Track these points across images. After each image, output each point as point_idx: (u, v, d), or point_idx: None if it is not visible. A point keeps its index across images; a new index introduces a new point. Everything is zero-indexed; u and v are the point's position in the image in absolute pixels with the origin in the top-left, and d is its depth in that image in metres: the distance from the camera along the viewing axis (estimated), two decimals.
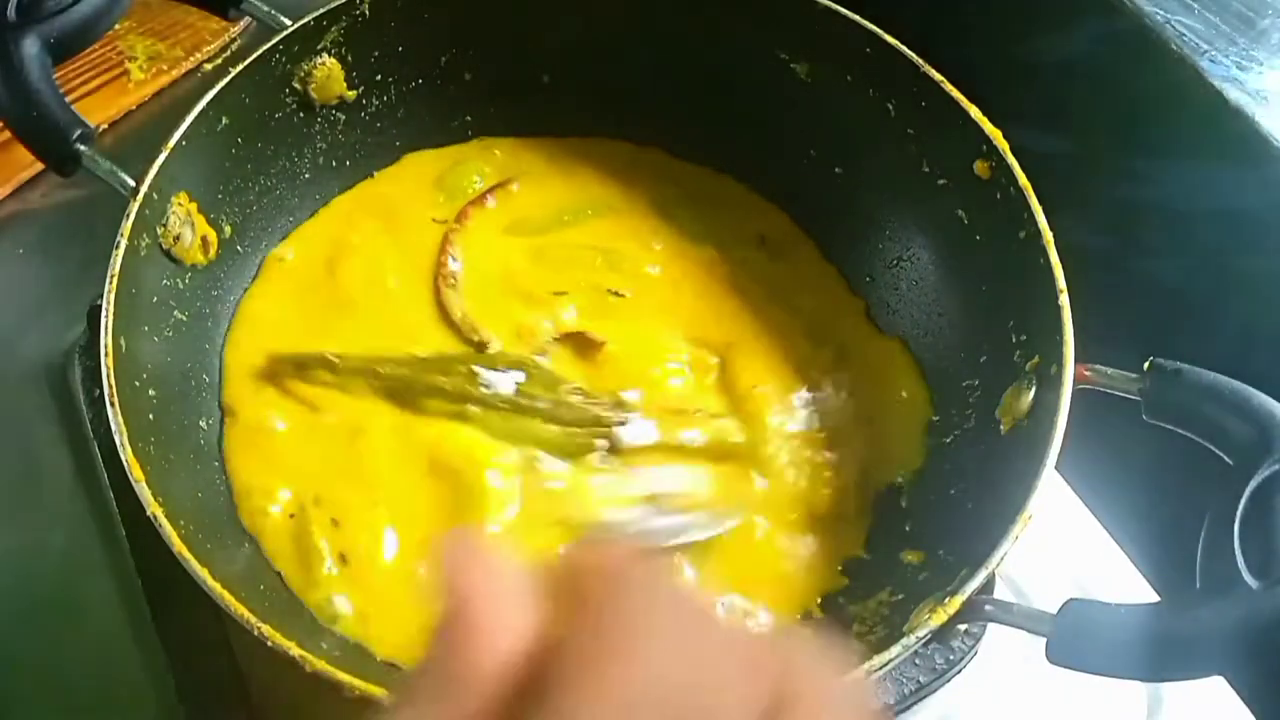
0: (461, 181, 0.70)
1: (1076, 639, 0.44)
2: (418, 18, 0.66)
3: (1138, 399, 0.51)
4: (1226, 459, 0.48)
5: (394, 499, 0.57)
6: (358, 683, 0.43)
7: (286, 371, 0.61)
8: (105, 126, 0.77)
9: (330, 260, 0.66)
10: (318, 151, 0.67)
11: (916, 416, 0.62)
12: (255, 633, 0.44)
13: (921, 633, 0.45)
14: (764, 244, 0.69)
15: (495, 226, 0.68)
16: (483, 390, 0.59)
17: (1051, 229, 0.55)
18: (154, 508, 0.47)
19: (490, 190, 0.69)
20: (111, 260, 0.53)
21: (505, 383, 0.59)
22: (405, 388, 0.60)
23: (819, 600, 0.56)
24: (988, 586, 0.47)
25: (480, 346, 0.63)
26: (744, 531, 0.58)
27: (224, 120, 0.60)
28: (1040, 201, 0.56)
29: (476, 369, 0.60)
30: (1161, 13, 0.71)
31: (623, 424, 0.58)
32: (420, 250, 0.67)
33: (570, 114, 0.71)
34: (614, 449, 0.58)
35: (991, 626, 0.58)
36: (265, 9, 0.63)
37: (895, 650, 0.45)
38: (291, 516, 0.57)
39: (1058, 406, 0.51)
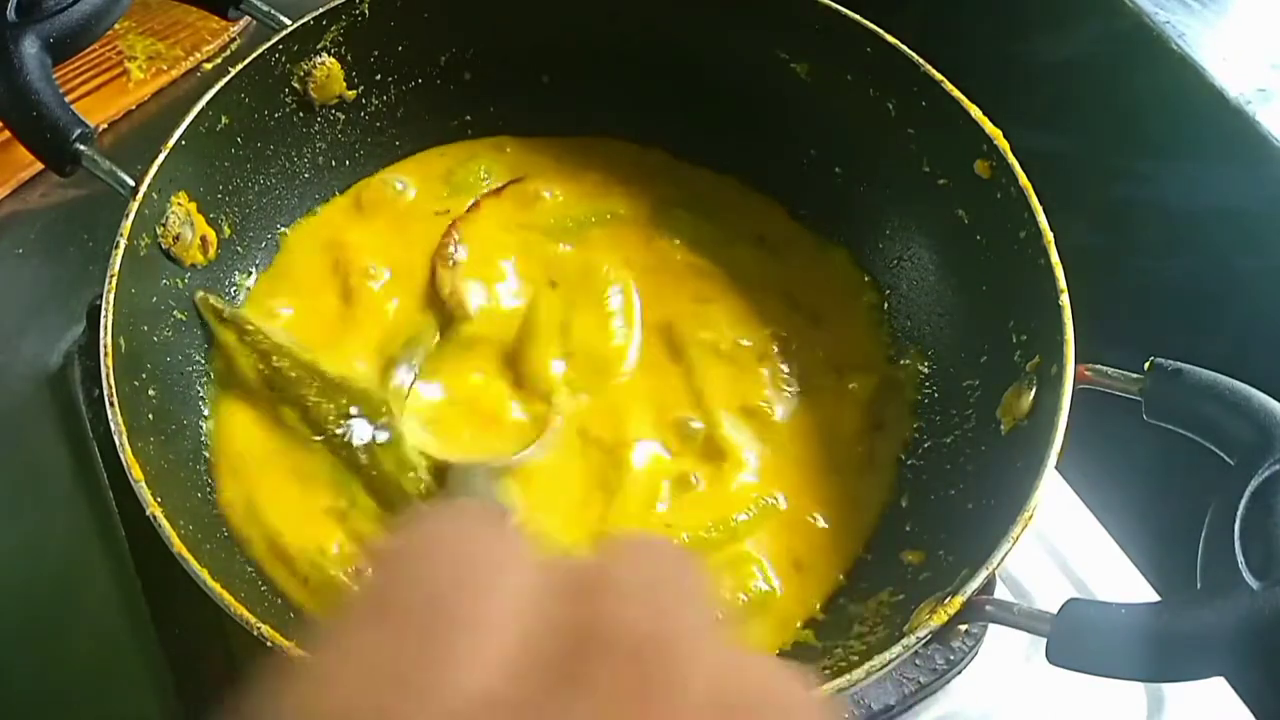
0: (469, 178, 0.70)
1: (1076, 639, 0.44)
2: (418, 17, 0.66)
3: (1138, 399, 0.51)
4: (1227, 459, 0.48)
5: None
6: None
7: (212, 316, 0.61)
8: (105, 126, 0.77)
9: (332, 256, 0.66)
10: (317, 151, 0.67)
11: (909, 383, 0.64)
12: (255, 633, 0.44)
13: (922, 633, 0.45)
14: (763, 243, 0.69)
15: (508, 222, 0.68)
16: (336, 430, 0.58)
17: (1051, 229, 0.55)
18: (154, 508, 0.47)
19: (506, 185, 0.69)
20: (111, 260, 0.53)
21: (363, 434, 0.58)
22: (280, 388, 0.60)
23: (841, 575, 0.57)
24: (988, 587, 0.47)
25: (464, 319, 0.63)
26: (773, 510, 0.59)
27: (223, 120, 0.60)
28: (1040, 201, 0.56)
29: (351, 409, 0.59)
30: (1162, 13, 0.72)
31: None
32: (421, 242, 0.67)
33: (570, 114, 0.71)
34: None
35: (992, 626, 0.58)
36: (265, 9, 0.63)
37: (896, 650, 0.45)
38: (306, 580, 0.55)
39: (1058, 406, 0.50)
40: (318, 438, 0.59)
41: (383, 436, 0.59)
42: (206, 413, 0.60)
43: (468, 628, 0.21)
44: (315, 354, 0.61)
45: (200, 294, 0.61)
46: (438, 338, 0.63)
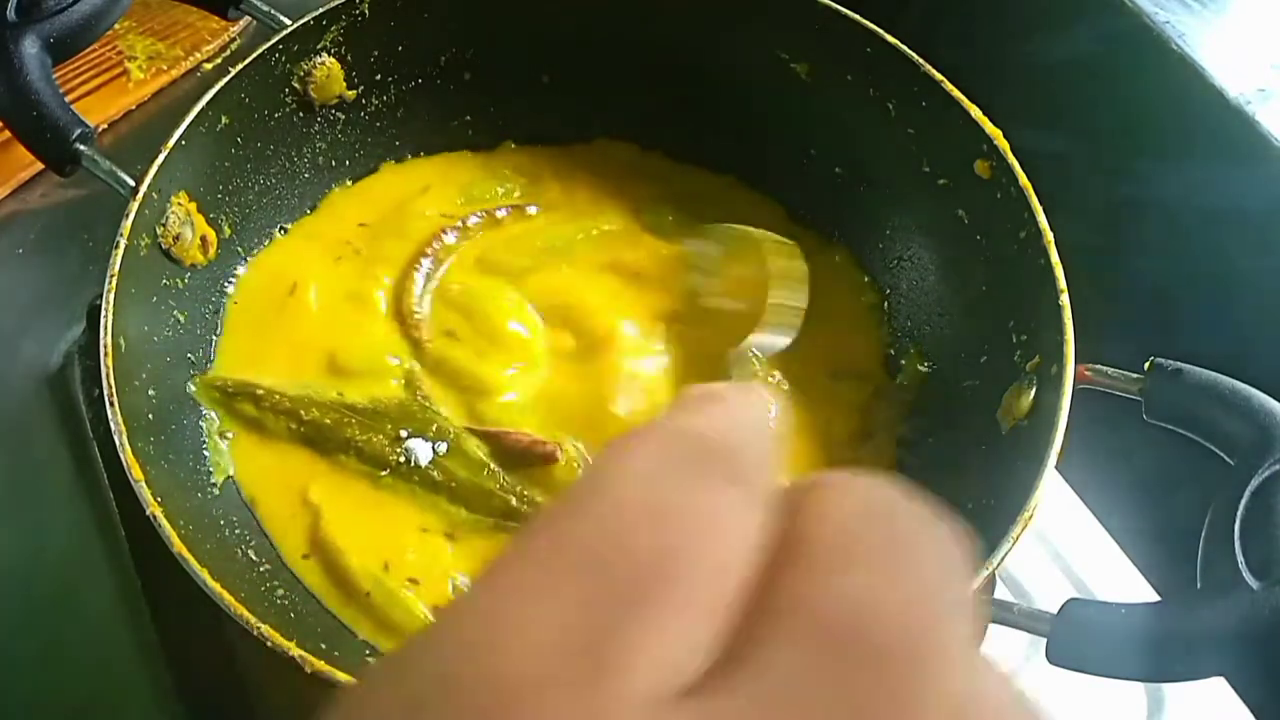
0: (473, 191, 0.69)
1: (1076, 639, 0.44)
2: (418, 18, 0.66)
3: (1138, 399, 0.51)
4: (1227, 459, 0.48)
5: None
6: None
7: (215, 397, 0.60)
8: (105, 126, 0.77)
9: (288, 274, 0.65)
10: (317, 151, 0.67)
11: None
12: (255, 633, 0.44)
13: None
14: None
15: (492, 241, 0.67)
16: (398, 459, 0.58)
17: (1051, 229, 0.55)
18: (154, 508, 0.47)
19: (499, 208, 0.68)
20: (111, 260, 0.53)
21: (424, 453, 0.58)
22: (324, 438, 0.58)
23: None
24: (988, 587, 0.47)
25: (417, 343, 0.62)
26: None
27: (223, 120, 0.60)
28: (1040, 201, 0.56)
29: (401, 434, 0.58)
30: (1162, 13, 0.72)
31: None
32: (401, 252, 0.66)
33: (570, 115, 0.71)
34: None
35: (992, 626, 0.58)
36: (265, 9, 0.63)
37: None
38: (368, 594, 0.55)
39: (1058, 406, 0.50)
40: (384, 473, 0.58)
41: (442, 447, 0.58)
42: (207, 413, 0.60)
43: (660, 601, 0.17)
44: (340, 385, 0.60)
45: (195, 382, 0.60)
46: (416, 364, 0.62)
